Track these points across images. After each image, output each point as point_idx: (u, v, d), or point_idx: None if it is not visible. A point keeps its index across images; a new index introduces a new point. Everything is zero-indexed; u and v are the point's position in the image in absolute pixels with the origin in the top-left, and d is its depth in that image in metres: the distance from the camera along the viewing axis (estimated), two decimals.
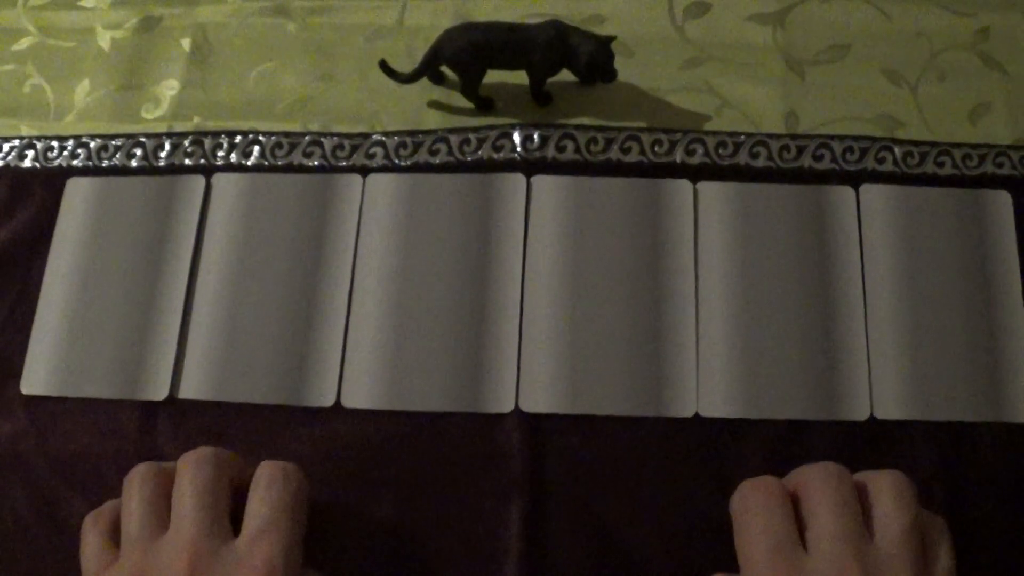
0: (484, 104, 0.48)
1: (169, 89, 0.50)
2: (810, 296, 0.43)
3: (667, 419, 0.41)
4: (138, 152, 0.48)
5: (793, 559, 0.32)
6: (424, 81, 0.48)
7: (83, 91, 0.50)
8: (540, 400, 0.42)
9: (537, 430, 0.41)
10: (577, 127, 0.47)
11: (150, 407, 0.43)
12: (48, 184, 0.47)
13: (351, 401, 0.42)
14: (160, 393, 0.43)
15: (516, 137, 0.47)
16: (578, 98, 0.48)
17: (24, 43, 0.52)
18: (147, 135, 0.48)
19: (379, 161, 0.47)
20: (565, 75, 0.47)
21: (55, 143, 0.48)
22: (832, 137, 0.46)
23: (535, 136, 0.47)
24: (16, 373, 0.44)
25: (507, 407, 0.42)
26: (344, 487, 0.41)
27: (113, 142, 0.48)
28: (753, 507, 0.34)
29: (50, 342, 0.44)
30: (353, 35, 0.51)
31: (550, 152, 0.46)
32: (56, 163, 0.48)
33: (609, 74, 0.45)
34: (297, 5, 0.52)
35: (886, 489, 0.33)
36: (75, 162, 0.48)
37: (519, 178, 0.46)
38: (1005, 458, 0.40)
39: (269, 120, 0.49)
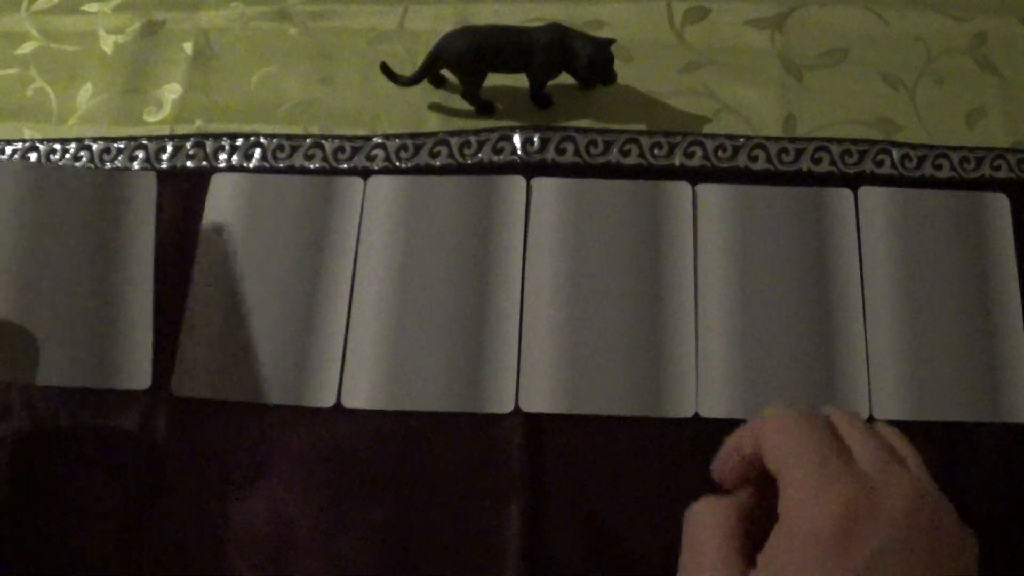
0: (484, 107, 0.48)
1: (171, 93, 0.50)
2: (809, 298, 0.43)
3: (667, 419, 0.41)
4: (140, 155, 0.48)
5: (844, 459, 0.28)
6: (425, 84, 0.48)
7: (86, 94, 0.50)
8: (540, 400, 0.42)
9: (537, 430, 0.41)
10: (577, 130, 0.47)
11: (151, 407, 0.43)
12: None
13: (351, 401, 0.42)
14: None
15: (516, 140, 0.47)
16: (578, 101, 0.48)
17: (27, 47, 0.52)
18: (149, 138, 0.48)
19: (380, 163, 0.47)
20: (565, 78, 0.47)
21: (58, 146, 0.49)
22: (831, 140, 0.47)
23: (535, 139, 0.47)
24: None
25: (507, 407, 0.42)
26: (344, 487, 0.41)
27: (116, 145, 0.48)
28: (787, 427, 0.29)
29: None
30: (354, 39, 0.51)
31: (550, 154, 0.47)
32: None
33: (609, 77, 0.46)
34: (299, 9, 0.52)
35: (846, 422, 0.30)
36: (78, 164, 0.48)
37: (519, 180, 0.46)
38: (1003, 458, 0.41)
39: (271, 123, 0.49)
